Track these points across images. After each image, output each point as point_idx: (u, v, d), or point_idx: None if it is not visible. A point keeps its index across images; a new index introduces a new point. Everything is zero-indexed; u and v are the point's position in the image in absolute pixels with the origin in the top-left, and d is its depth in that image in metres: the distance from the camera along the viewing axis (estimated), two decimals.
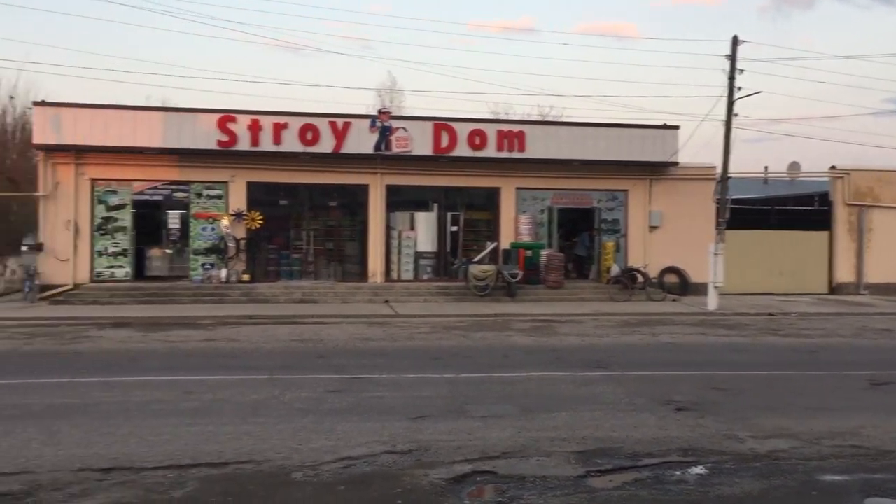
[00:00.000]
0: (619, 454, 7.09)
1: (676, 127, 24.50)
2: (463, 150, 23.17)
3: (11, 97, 30.01)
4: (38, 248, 22.12)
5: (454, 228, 24.67)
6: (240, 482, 6.19)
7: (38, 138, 21.53)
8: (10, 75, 52.26)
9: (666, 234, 24.99)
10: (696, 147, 65.18)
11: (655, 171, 24.92)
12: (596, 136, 24.03)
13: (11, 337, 15.00)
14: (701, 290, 22.77)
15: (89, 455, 6.83)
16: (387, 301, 21.78)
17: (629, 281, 23.47)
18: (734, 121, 22.00)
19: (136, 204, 22.85)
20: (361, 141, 22.68)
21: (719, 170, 22.83)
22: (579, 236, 25.61)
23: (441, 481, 6.23)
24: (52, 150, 21.73)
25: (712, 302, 21.03)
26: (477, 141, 23.22)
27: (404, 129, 23.01)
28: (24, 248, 22.57)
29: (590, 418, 8.39)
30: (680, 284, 24.63)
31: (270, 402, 9.04)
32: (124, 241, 22.62)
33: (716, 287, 21.13)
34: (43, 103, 21.93)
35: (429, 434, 7.65)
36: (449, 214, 24.62)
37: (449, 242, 24.64)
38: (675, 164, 24.50)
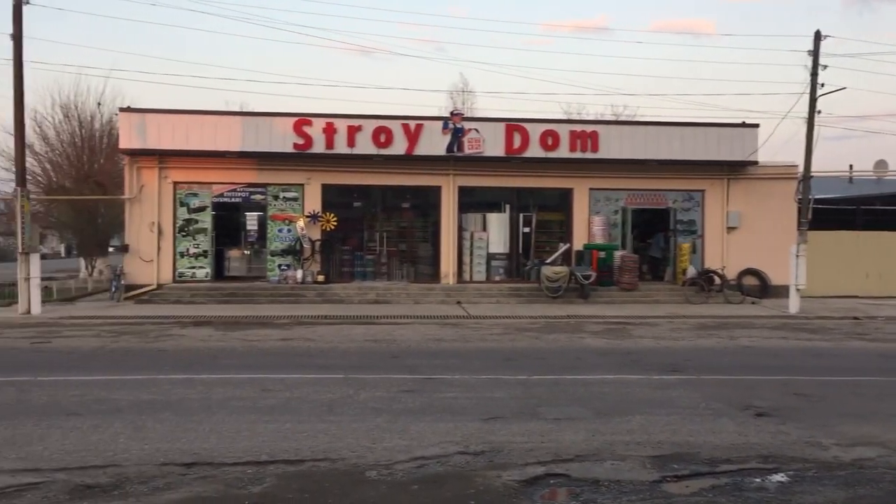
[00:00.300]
0: (697, 460, 6.96)
1: (756, 125, 23.91)
2: (535, 150, 23.09)
3: (99, 104, 31.19)
4: (124, 249, 22.98)
5: (526, 229, 24.60)
6: (315, 479, 6.30)
7: (123, 143, 22.34)
8: (98, 83, 54.43)
9: (744, 234, 24.39)
10: (776, 145, 63.39)
11: (734, 170, 24.36)
12: (671, 136, 23.62)
13: (99, 335, 15.61)
14: (781, 292, 22.15)
15: (173, 450, 7.06)
16: (459, 302, 21.86)
17: (706, 283, 22.99)
18: (817, 118, 21.34)
19: (216, 206, 23.49)
20: (434, 143, 22.82)
21: (801, 169, 22.18)
22: (654, 237, 25.20)
23: (514, 483, 6.23)
24: (136, 154, 22.52)
25: (793, 305, 20.42)
26: (549, 142, 23.09)
27: (476, 130, 23.05)
28: (111, 250, 23.54)
29: (665, 422, 8.26)
30: (759, 287, 24.01)
31: (345, 401, 9.18)
32: (205, 243, 23.28)
33: (797, 289, 20.51)
34: (128, 110, 22.75)
35: (501, 435, 7.65)
36: (521, 215, 24.56)
37: (521, 244, 24.57)
38: (755, 163, 23.90)
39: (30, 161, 26.53)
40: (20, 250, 19.40)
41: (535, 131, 23.11)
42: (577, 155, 23.27)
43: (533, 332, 16.39)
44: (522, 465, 6.70)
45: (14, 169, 20.52)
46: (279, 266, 23.39)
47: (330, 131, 22.40)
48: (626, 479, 6.36)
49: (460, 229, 24.17)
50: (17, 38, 19.35)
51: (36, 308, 18.91)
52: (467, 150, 22.93)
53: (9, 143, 26.35)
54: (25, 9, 19.56)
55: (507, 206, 24.52)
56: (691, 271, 23.43)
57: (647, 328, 17.14)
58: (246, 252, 24.10)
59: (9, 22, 19.48)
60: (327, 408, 8.84)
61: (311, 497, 5.89)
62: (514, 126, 23.15)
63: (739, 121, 24.14)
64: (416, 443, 7.36)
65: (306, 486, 6.11)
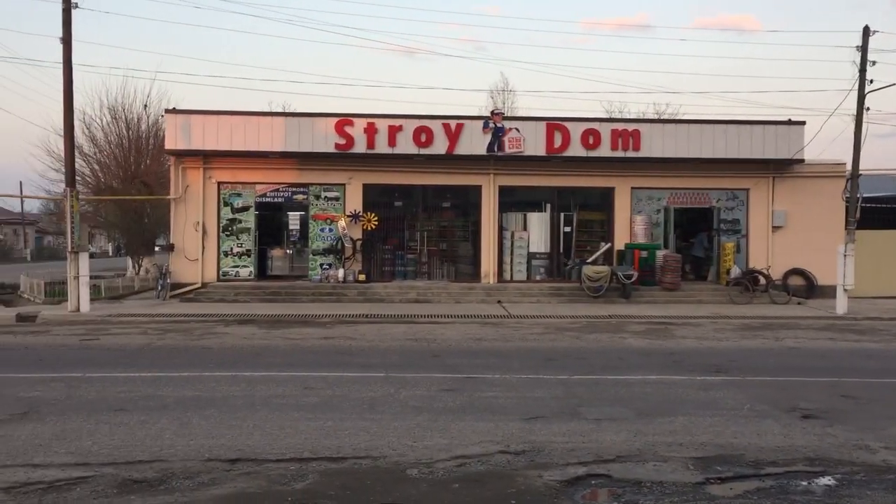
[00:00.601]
0: (741, 462, 6.87)
1: (802, 123, 23.46)
2: (576, 149, 22.95)
3: (145, 106, 31.76)
4: (169, 248, 23.37)
5: (567, 229, 24.47)
6: (357, 476, 6.35)
7: (169, 144, 22.71)
8: (144, 85, 55.39)
9: (790, 234, 23.97)
10: (823, 143, 62.14)
11: (779, 168, 23.96)
12: (715, 134, 23.30)
13: (146, 332, 15.91)
14: (828, 293, 21.73)
15: (217, 446, 7.17)
16: (499, 301, 21.83)
17: (750, 283, 22.64)
18: (865, 115, 20.87)
19: (259, 206, 23.77)
20: (474, 142, 22.81)
21: (849, 167, 21.71)
22: (697, 237, 24.89)
23: (555, 483, 6.21)
24: (182, 155, 22.89)
25: (841, 305, 20.01)
26: (591, 140, 22.94)
27: (517, 129, 22.99)
28: (157, 249, 23.95)
29: (709, 424, 8.16)
30: (805, 287, 23.58)
31: (386, 400, 9.23)
32: (248, 242, 23.58)
33: (845, 290, 20.09)
34: (174, 111, 23.12)
35: (542, 435, 7.63)
36: (562, 215, 24.44)
37: (562, 243, 24.46)
38: (801, 161, 23.47)
39: (79, 162, 27.13)
40: (70, 249, 19.84)
41: (576, 130, 22.98)
42: (619, 154, 23.09)
43: (574, 331, 16.31)
44: (563, 465, 6.68)
45: (64, 170, 21.01)
46: (321, 265, 23.59)
47: (371, 131, 22.53)
48: (669, 480, 6.31)
49: (501, 229, 24.14)
50: (67, 41, 19.79)
51: (85, 306, 19.32)
52: (508, 150, 22.88)
53: (59, 145, 26.97)
54: (74, 13, 20.00)
55: (548, 206, 24.41)
56: (735, 271, 23.09)
57: (690, 328, 16.94)
58: (288, 251, 24.34)
59: (59, 26, 19.90)
60: (368, 406, 8.90)
61: (354, 494, 5.94)
62: (554, 125, 23.04)
63: (785, 118, 23.73)
64: (456, 441, 7.38)
65: (348, 484, 6.16)
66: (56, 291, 23.29)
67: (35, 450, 6.98)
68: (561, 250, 24.46)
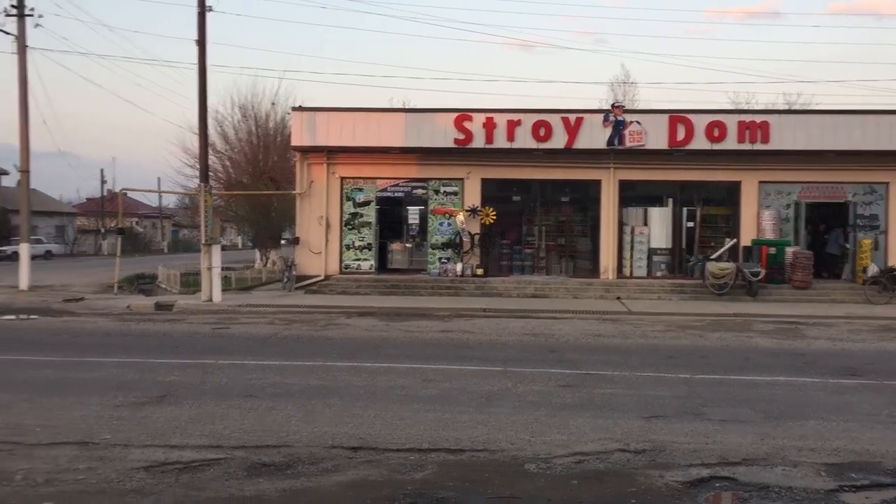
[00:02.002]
0: (878, 469, 6.51)
1: None
2: (700, 142, 22.26)
3: (273, 104, 32.96)
4: (295, 241, 24.20)
5: (690, 224, 23.78)
6: (475, 469, 6.40)
7: (295, 141, 23.50)
8: (272, 84, 57.54)
9: None
10: None
11: None
12: (851, 124, 22.09)
13: (273, 322, 16.54)
14: None
15: (340, 434, 7.38)
16: (618, 298, 21.47)
17: (889, 282, 21.34)
18: None
19: (380, 200, 24.26)
20: (594, 136, 22.49)
21: None
22: (830, 233, 23.67)
23: (677, 484, 6.07)
24: (307, 151, 23.64)
25: None
26: (715, 133, 22.20)
27: (638, 122, 22.51)
28: (283, 242, 24.83)
29: (843, 429, 7.76)
30: None
31: (504, 394, 9.26)
32: (369, 236, 24.12)
33: None
34: (300, 108, 23.90)
35: (663, 434, 7.46)
36: (684, 210, 23.78)
37: (684, 239, 23.80)
38: None
39: (211, 159, 28.48)
40: (203, 242, 20.86)
41: (700, 122, 22.28)
42: (746, 146, 22.23)
43: (697, 329, 15.85)
44: (686, 466, 6.52)
45: (198, 166, 22.11)
46: (439, 259, 23.86)
47: (490, 126, 22.58)
48: (799, 486, 6.04)
49: (620, 224, 23.71)
50: (202, 43, 20.78)
51: (217, 296, 20.26)
52: (628, 143, 22.44)
53: (194, 143, 28.39)
54: (208, 16, 20.98)
55: (670, 200, 23.79)
56: (873, 269, 21.81)
57: (822, 329, 16.14)
58: (407, 245, 24.74)
59: (194, 29, 20.92)
60: (486, 399, 8.94)
61: (472, 486, 5.99)
62: (677, 117, 22.42)
63: None
64: (574, 438, 7.32)
65: (466, 476, 6.22)
66: (190, 282, 24.52)
67: (172, 431, 7.39)
68: (683, 246, 23.80)
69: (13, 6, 24.96)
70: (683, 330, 15.75)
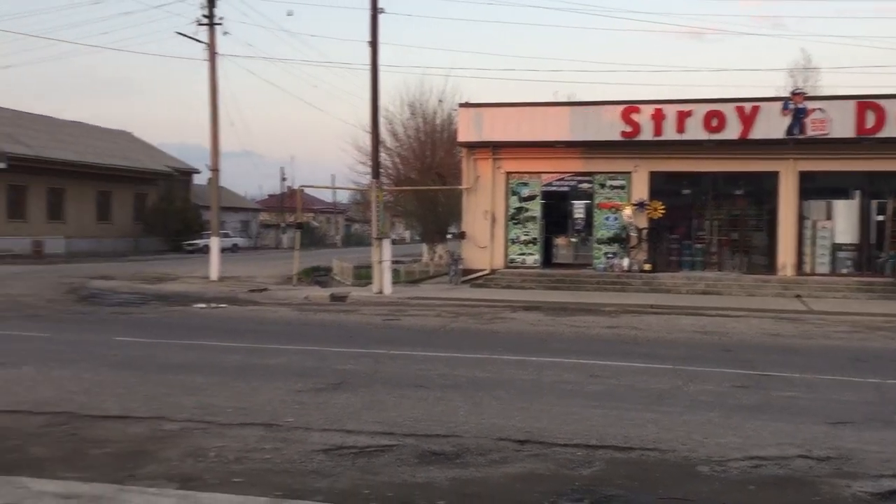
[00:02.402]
0: None
1: None
2: (892, 130, 20.61)
3: (440, 101, 33.66)
4: (461, 236, 24.63)
5: (880, 218, 22.11)
6: (644, 468, 6.28)
7: (462, 137, 23.88)
8: (439, 81, 58.70)
9: None
10: None
11: None
12: None
13: (440, 315, 16.93)
14: None
15: (507, 426, 7.45)
16: (798, 296, 20.30)
17: None
18: None
19: (545, 195, 24.20)
20: (771, 125, 21.35)
21: None
22: None
23: (866, 495, 5.68)
24: (473, 146, 23.95)
25: None
26: None
27: (821, 110, 21.14)
28: (449, 236, 25.30)
29: None
30: None
31: (674, 393, 9.01)
32: (534, 230, 24.13)
33: None
34: (466, 105, 24.25)
35: (850, 442, 7.00)
36: (873, 202, 22.11)
37: (873, 233, 22.13)
38: None
39: (382, 156, 29.43)
40: (374, 236, 21.64)
41: (892, 108, 20.62)
42: None
43: (888, 331, 14.73)
44: (876, 476, 6.09)
45: (370, 163, 22.94)
46: (605, 254, 23.50)
47: (658, 117, 21.96)
48: None
49: (800, 217, 22.38)
50: (373, 45, 21.53)
51: (387, 288, 20.96)
52: (810, 132, 21.12)
53: (365, 140, 29.49)
54: (380, 17, 21.69)
55: (857, 193, 22.20)
56: None
57: None
58: (572, 240, 24.55)
59: (366, 31, 21.69)
60: (655, 398, 8.74)
61: (641, 485, 5.88)
62: (866, 103, 20.86)
63: None
64: (751, 441, 7.01)
65: (635, 474, 6.12)
66: (362, 274, 25.48)
67: (348, 417, 7.74)
68: (872, 241, 22.15)
69: (205, 16, 26.89)
70: (872, 331, 14.69)
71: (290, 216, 66.17)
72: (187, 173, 57.83)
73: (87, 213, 47.56)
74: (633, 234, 22.93)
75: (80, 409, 7.88)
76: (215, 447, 6.65)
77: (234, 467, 6.16)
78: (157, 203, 51.66)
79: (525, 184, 24.18)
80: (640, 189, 23.09)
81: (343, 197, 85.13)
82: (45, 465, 6.11)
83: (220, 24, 27.07)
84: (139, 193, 51.62)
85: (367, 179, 28.12)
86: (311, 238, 68.38)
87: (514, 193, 24.25)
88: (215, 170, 27.85)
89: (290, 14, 59.33)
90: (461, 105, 24.61)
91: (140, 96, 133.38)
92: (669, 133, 21.95)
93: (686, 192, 23.76)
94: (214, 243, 26.93)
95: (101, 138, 52.51)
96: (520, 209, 24.20)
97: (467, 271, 23.86)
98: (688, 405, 8.39)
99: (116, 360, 10.89)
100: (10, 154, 40.94)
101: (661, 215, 22.99)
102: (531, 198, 24.15)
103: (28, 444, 6.70)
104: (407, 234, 74.89)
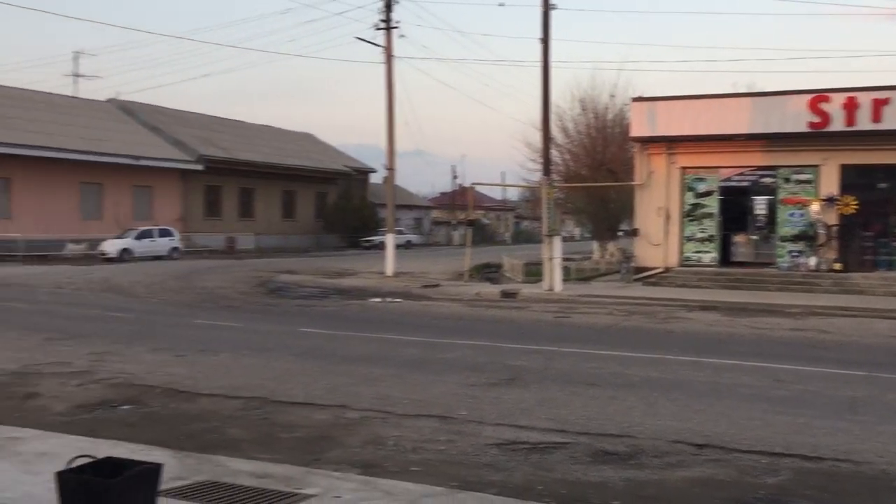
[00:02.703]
0: None
1: None
2: None
3: (612, 95, 33.02)
4: (633, 233, 24.10)
5: None
6: (836, 479, 5.91)
7: (634, 131, 23.36)
8: (610, 76, 57.70)
9: None
10: None
11: None
12: None
13: (612, 313, 16.66)
14: None
15: (683, 429, 7.23)
16: None
17: None
18: None
19: (723, 190, 23.23)
20: None
21: None
22: None
23: None
24: (646, 141, 23.37)
25: None
26: None
27: None
28: (620, 234, 24.83)
29: None
30: None
31: (869, 401, 8.40)
32: (711, 227, 23.20)
33: None
34: (639, 99, 23.69)
35: None
36: None
37: None
38: None
39: (552, 152, 29.30)
40: (545, 233, 21.61)
41: None
42: None
43: None
44: None
45: (540, 160, 22.93)
46: (789, 252, 22.20)
47: (851, 106, 20.47)
48: None
49: None
50: (545, 41, 21.48)
51: (557, 285, 20.87)
52: None
53: (536, 138, 29.46)
54: (551, 14, 21.60)
55: None
56: None
57: None
58: (753, 237, 23.42)
59: (537, 27, 21.67)
60: (847, 405, 8.19)
61: (833, 498, 5.54)
62: None
63: None
64: None
65: (826, 486, 5.77)
66: (532, 271, 25.50)
67: (521, 413, 7.79)
68: None
69: (382, 20, 27.87)
70: None
71: (461, 214, 67.32)
72: (364, 173, 60.21)
73: (273, 211, 50.66)
74: (822, 231, 21.51)
75: (271, 394, 8.42)
76: (393, 436, 6.90)
77: (411, 457, 6.37)
78: (336, 202, 54.14)
79: (701, 179, 23.29)
80: (830, 183, 21.62)
81: (513, 194, 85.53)
82: (241, 445, 6.58)
83: (396, 27, 27.99)
84: (320, 192, 54.32)
85: (537, 176, 28.10)
86: (482, 235, 69.23)
87: (690, 189, 23.41)
88: (391, 169, 28.81)
89: (501, 4, 60.81)
90: (634, 99, 24.08)
91: (320, 99, 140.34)
92: (864, 123, 20.41)
93: (882, 186, 22.00)
94: (390, 240, 27.86)
95: (285, 140, 55.72)
96: (696, 205, 23.34)
97: (639, 269, 23.32)
98: (885, 415, 7.80)
99: (301, 349, 11.53)
100: (206, 156, 44.34)
101: (853, 211, 21.42)
102: (708, 193, 23.23)
103: (225, 426, 7.24)
104: (577, 232, 74.14)
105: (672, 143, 23.09)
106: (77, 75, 52.86)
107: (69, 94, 48.17)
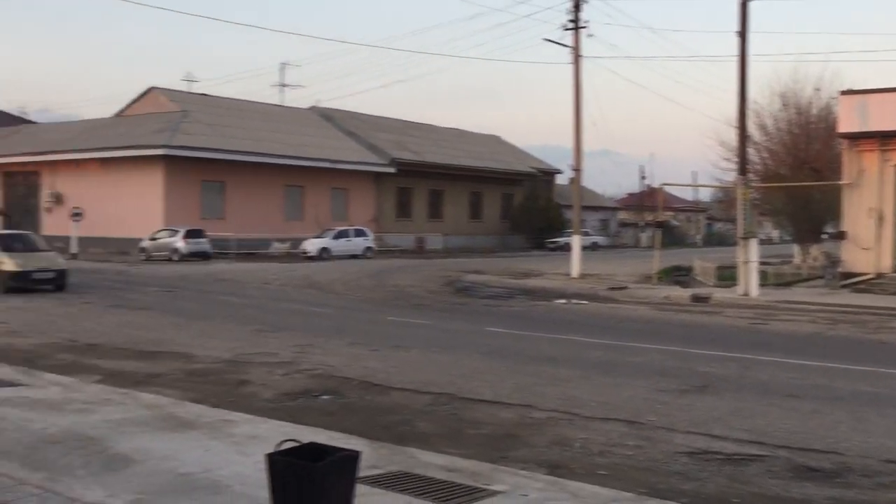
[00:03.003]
0: None
1: None
2: None
3: (817, 89, 30.91)
4: (839, 236, 22.45)
5: None
6: None
7: (842, 127, 21.77)
8: (815, 68, 53.96)
9: None
10: None
11: None
12: None
13: (815, 321, 15.62)
14: None
15: None
16: None
17: None
18: None
19: None
20: None
21: None
22: None
23: None
24: (856, 137, 21.69)
25: None
26: None
27: None
28: (824, 237, 23.18)
29: None
30: None
31: None
32: None
33: None
34: (848, 92, 22.04)
35: None
36: None
37: None
38: None
39: (749, 151, 27.86)
40: (740, 235, 20.58)
41: None
42: None
43: None
44: None
45: (735, 159, 21.88)
46: None
47: None
48: None
49: None
50: (742, 34, 20.47)
51: (753, 290, 19.82)
52: None
53: (730, 136, 28.17)
54: (749, 5, 20.55)
55: None
56: None
57: None
58: None
59: (733, 20, 20.70)
60: None
61: None
62: None
63: None
64: None
65: None
66: (725, 275, 24.38)
67: (714, 422, 7.49)
68: None
69: (570, 21, 27.72)
70: None
71: (650, 215, 65.59)
72: (550, 173, 60.11)
73: (461, 212, 51.74)
74: None
75: (458, 391, 8.62)
76: (580, 438, 6.86)
77: (597, 460, 6.31)
78: (521, 202, 54.44)
79: None
80: None
81: (705, 195, 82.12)
82: (430, 439, 6.80)
83: (584, 27, 27.71)
84: (506, 193, 54.83)
85: (731, 176, 26.84)
86: (671, 237, 67.08)
87: None
88: (577, 169, 28.57)
89: None
90: (842, 93, 22.42)
91: (506, 101, 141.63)
92: None
93: None
94: (576, 241, 27.63)
95: (472, 143, 56.72)
96: None
97: (846, 275, 21.66)
98: None
99: (488, 348, 11.71)
100: (398, 159, 46.04)
101: None
102: None
103: (416, 419, 7.50)
104: (775, 234, 70.07)
105: (886, 139, 21.27)
106: (283, 85, 56.68)
107: (276, 102, 51.68)
